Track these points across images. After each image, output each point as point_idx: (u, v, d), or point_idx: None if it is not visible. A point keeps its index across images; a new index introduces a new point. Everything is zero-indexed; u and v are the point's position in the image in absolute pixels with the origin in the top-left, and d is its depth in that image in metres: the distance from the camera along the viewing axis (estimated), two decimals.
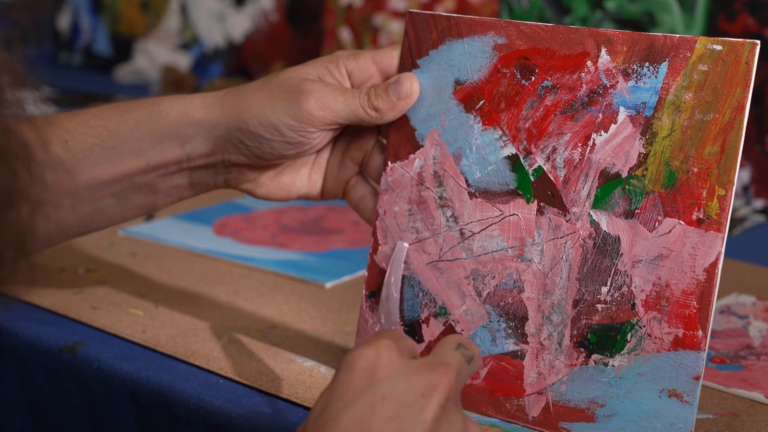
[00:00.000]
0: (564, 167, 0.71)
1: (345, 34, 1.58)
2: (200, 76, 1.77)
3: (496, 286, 0.73)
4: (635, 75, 0.69)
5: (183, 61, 1.80)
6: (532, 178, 0.72)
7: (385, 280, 0.74)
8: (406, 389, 0.56)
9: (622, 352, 0.69)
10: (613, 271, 0.69)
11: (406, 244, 0.71)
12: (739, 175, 1.19)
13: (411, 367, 0.57)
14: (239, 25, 1.75)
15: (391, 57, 0.77)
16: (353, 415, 0.55)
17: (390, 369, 0.57)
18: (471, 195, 0.74)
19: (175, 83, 1.70)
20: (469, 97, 0.74)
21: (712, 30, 1.20)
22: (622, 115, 0.69)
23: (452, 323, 0.74)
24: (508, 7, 1.34)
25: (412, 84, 0.75)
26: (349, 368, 0.57)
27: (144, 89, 1.76)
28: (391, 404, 0.55)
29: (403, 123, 0.76)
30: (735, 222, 1.16)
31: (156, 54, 1.82)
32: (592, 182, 0.70)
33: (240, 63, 1.76)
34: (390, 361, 0.57)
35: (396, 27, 1.54)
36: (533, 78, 0.72)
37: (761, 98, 1.18)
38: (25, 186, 0.59)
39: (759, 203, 1.20)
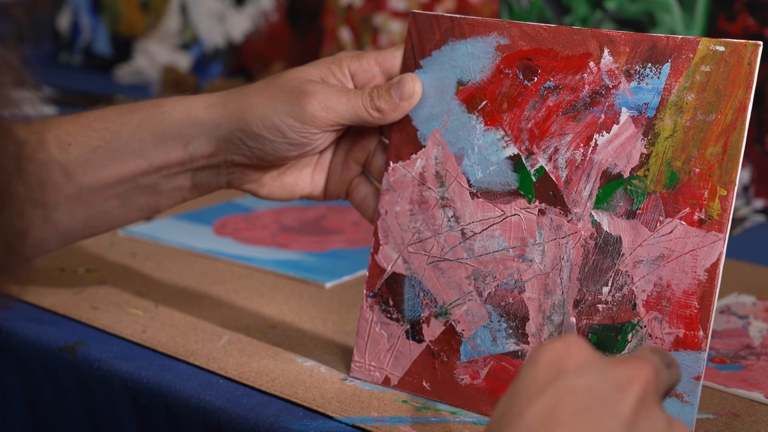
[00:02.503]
0: (566, 167, 0.71)
1: (345, 34, 1.58)
2: (200, 76, 1.77)
3: (497, 286, 0.73)
4: (638, 76, 0.69)
5: (183, 61, 1.80)
6: (533, 179, 0.72)
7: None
8: (600, 381, 0.51)
9: (623, 353, 0.69)
10: (614, 271, 0.69)
11: (573, 320, 0.68)
12: (740, 175, 1.19)
13: (604, 361, 0.52)
14: (239, 25, 1.75)
15: (394, 58, 0.77)
16: (539, 408, 0.50)
17: (580, 361, 0.52)
18: (473, 195, 0.74)
19: (175, 83, 1.70)
20: (471, 97, 0.74)
21: (712, 30, 1.20)
22: (624, 115, 0.69)
23: (453, 323, 0.74)
24: (508, 7, 1.34)
25: (415, 84, 0.75)
26: (535, 362, 0.52)
27: (144, 89, 1.76)
28: (583, 396, 0.50)
29: (405, 123, 0.76)
30: (735, 222, 1.16)
31: (156, 54, 1.82)
32: (594, 182, 0.70)
33: (240, 63, 1.75)
34: (580, 354, 0.52)
35: (396, 27, 1.54)
36: (536, 79, 0.72)
37: (761, 98, 1.18)
38: (19, 185, 0.59)
39: (759, 203, 1.20)
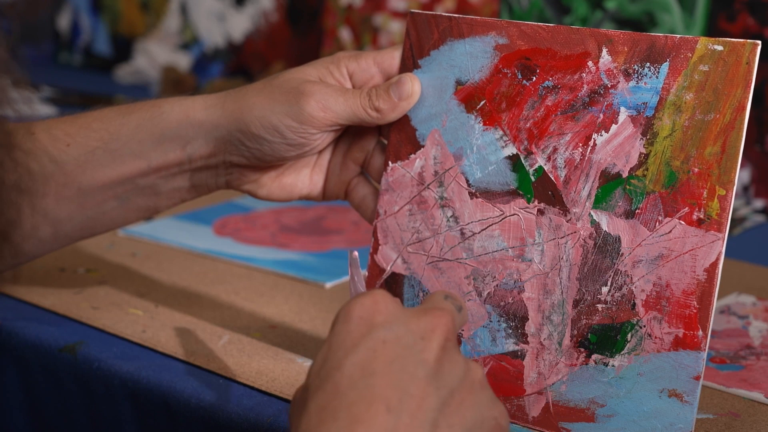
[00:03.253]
0: (565, 167, 0.71)
1: (345, 34, 1.58)
2: (200, 76, 1.77)
3: (497, 286, 0.73)
4: (636, 75, 0.69)
5: (183, 61, 1.80)
6: (532, 178, 0.72)
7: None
8: (405, 332, 0.56)
9: (622, 352, 0.69)
10: (613, 271, 0.69)
11: (355, 254, 0.71)
12: (740, 175, 1.19)
13: (407, 313, 0.58)
14: (239, 25, 1.75)
15: (393, 57, 0.77)
16: (355, 361, 0.55)
17: (387, 315, 0.57)
18: (471, 195, 0.74)
19: (175, 83, 1.70)
20: (470, 97, 0.74)
21: (712, 30, 1.20)
22: (623, 115, 0.69)
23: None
24: (508, 7, 1.34)
25: (413, 84, 0.75)
26: (347, 318, 0.57)
27: (144, 89, 1.76)
28: (392, 347, 0.55)
29: (404, 123, 0.76)
30: (735, 222, 1.16)
31: (156, 54, 1.82)
32: (593, 182, 0.70)
33: (240, 63, 1.76)
34: (386, 308, 0.57)
35: (396, 27, 1.54)
36: (534, 78, 0.72)
37: (761, 98, 1.18)
38: (8, 174, 0.59)
39: (759, 203, 1.20)
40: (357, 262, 0.70)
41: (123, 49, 1.90)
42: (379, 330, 0.56)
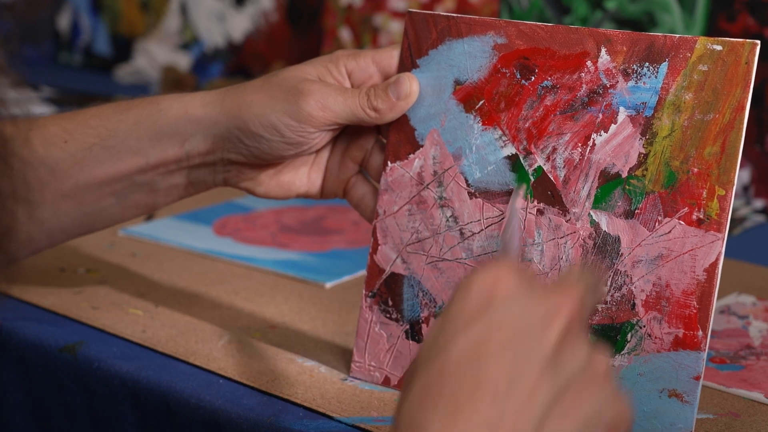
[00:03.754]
0: (564, 167, 0.71)
1: (345, 34, 1.58)
2: (200, 76, 1.77)
3: None
4: (635, 75, 0.69)
5: (183, 61, 1.80)
6: (531, 178, 0.72)
7: (508, 216, 0.70)
8: (525, 314, 0.51)
9: (622, 353, 0.69)
10: (613, 271, 0.69)
11: (521, 194, 0.67)
12: (739, 175, 1.19)
13: (531, 293, 0.53)
14: (239, 25, 1.75)
15: (391, 57, 0.77)
16: (466, 341, 0.51)
17: (509, 293, 0.52)
18: (471, 195, 0.74)
19: (175, 83, 1.70)
20: (468, 97, 0.74)
21: (712, 30, 1.20)
22: (622, 115, 0.69)
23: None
24: (508, 7, 1.34)
25: (412, 84, 0.75)
26: (465, 295, 0.52)
27: (144, 89, 1.76)
28: (508, 329, 0.51)
29: (402, 123, 0.76)
30: (735, 222, 1.16)
31: (156, 54, 1.82)
32: (592, 182, 0.70)
33: (240, 63, 1.76)
34: (508, 287, 0.52)
35: (396, 27, 1.54)
36: (533, 78, 0.72)
37: (761, 98, 1.18)
38: (4, 182, 0.59)
39: (759, 203, 1.20)
40: (517, 215, 0.67)
41: (123, 49, 1.90)
42: (497, 309, 0.51)
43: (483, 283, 0.52)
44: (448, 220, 0.74)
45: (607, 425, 0.52)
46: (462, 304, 0.52)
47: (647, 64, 0.68)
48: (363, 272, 0.78)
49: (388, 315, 0.76)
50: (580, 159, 0.70)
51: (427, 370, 0.51)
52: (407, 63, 0.76)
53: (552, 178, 0.71)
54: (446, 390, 0.50)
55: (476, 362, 0.50)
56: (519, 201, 0.68)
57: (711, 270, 0.66)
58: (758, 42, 0.66)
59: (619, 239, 0.69)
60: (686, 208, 0.67)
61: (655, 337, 0.68)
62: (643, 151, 0.68)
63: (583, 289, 0.53)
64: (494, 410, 0.49)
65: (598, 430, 0.52)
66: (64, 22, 1.98)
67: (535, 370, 0.50)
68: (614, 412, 0.52)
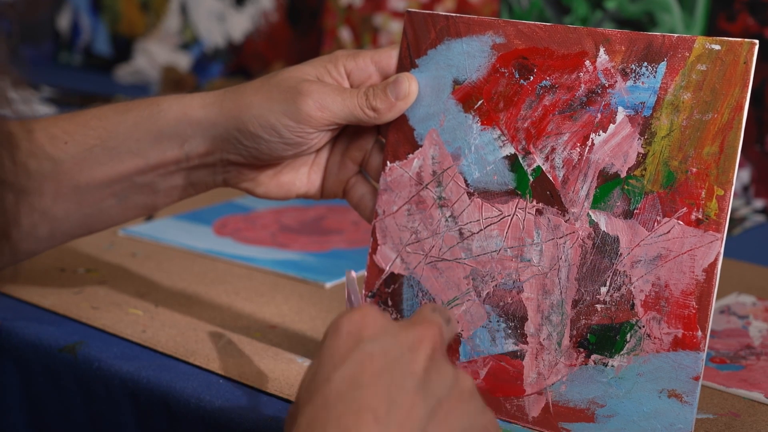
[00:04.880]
0: (563, 167, 0.71)
1: (345, 34, 1.58)
2: (200, 76, 1.77)
3: (496, 286, 0.73)
4: (633, 75, 0.69)
5: (183, 61, 1.81)
6: (530, 178, 0.72)
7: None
8: (393, 345, 0.56)
9: (621, 353, 0.69)
10: (612, 271, 0.69)
11: (353, 274, 0.71)
12: (739, 175, 1.19)
13: (395, 326, 0.58)
14: (239, 25, 1.75)
15: (390, 57, 0.77)
16: (343, 374, 0.55)
17: (375, 329, 0.57)
18: (470, 195, 0.74)
19: (175, 83, 1.70)
20: (467, 96, 0.74)
21: (712, 30, 1.20)
22: (621, 115, 0.69)
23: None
24: (508, 7, 1.34)
25: (411, 84, 0.75)
26: (335, 333, 0.57)
27: (144, 89, 1.76)
28: (380, 359, 0.56)
29: (401, 123, 0.76)
30: (735, 222, 1.16)
31: (156, 54, 1.82)
32: (591, 182, 0.70)
33: (240, 63, 1.76)
34: (375, 323, 0.57)
35: (396, 27, 1.54)
36: (532, 78, 0.72)
37: (761, 98, 1.18)
38: (7, 173, 0.59)
39: (759, 203, 1.20)
40: (354, 281, 0.70)
41: (123, 49, 1.90)
42: (366, 344, 0.56)
43: (351, 323, 0.57)
44: (447, 220, 0.74)
45: None
46: (334, 343, 0.57)
47: (646, 63, 0.68)
48: (363, 272, 0.78)
49: (388, 315, 0.76)
50: (578, 159, 0.70)
51: (311, 404, 0.55)
52: (406, 63, 0.76)
53: (551, 178, 0.71)
54: (331, 417, 0.54)
55: (355, 391, 0.54)
56: (351, 277, 0.71)
57: (710, 270, 0.66)
58: (756, 41, 0.66)
59: (618, 239, 0.69)
60: (685, 208, 0.67)
61: (655, 338, 0.68)
62: (641, 150, 0.68)
63: (439, 322, 0.59)
64: (378, 430, 0.53)
65: None
66: (64, 22, 1.98)
67: (409, 391, 0.55)
68: (482, 426, 0.58)
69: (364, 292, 0.77)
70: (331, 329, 0.58)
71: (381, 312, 0.59)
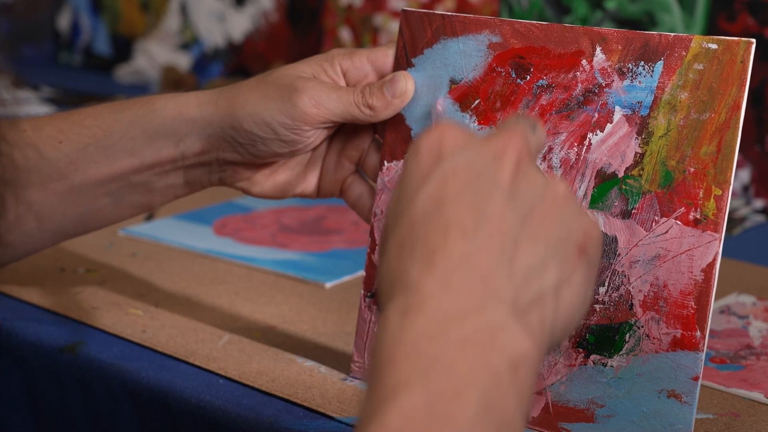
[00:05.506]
0: (560, 167, 0.71)
1: (345, 34, 1.58)
2: (200, 76, 1.77)
3: None
4: (630, 74, 0.69)
5: (183, 61, 1.81)
6: None
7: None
8: (476, 157, 0.54)
9: (620, 353, 0.69)
10: (610, 271, 0.69)
11: (439, 107, 0.69)
12: (739, 175, 1.19)
13: (477, 139, 0.55)
14: (239, 25, 1.75)
15: (386, 55, 0.77)
16: (427, 193, 0.53)
17: (456, 143, 0.54)
18: None
19: (175, 83, 1.70)
20: (464, 96, 0.74)
21: (712, 30, 1.20)
22: (618, 114, 0.69)
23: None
24: (508, 7, 1.34)
25: (407, 82, 0.75)
26: (415, 154, 0.55)
27: (144, 89, 1.76)
28: (463, 173, 0.53)
29: (398, 122, 0.76)
30: (735, 222, 1.16)
31: (156, 54, 1.82)
32: (589, 182, 0.70)
33: (240, 63, 1.76)
34: (455, 137, 0.55)
35: (396, 27, 1.54)
36: (528, 77, 0.71)
37: (761, 98, 1.18)
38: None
39: (759, 203, 1.20)
40: (442, 114, 0.68)
41: (123, 49, 1.90)
42: (448, 159, 0.54)
43: (430, 141, 0.55)
44: None
45: (576, 243, 0.54)
46: (415, 164, 0.54)
47: (642, 63, 0.68)
48: (363, 272, 0.78)
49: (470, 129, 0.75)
50: (576, 159, 0.70)
51: (397, 228, 0.53)
52: (402, 62, 0.76)
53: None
54: (418, 238, 0.52)
55: (440, 208, 0.52)
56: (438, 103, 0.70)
57: (708, 270, 0.66)
58: (753, 40, 0.66)
59: (616, 239, 0.69)
60: (683, 208, 0.67)
61: (654, 338, 0.68)
62: (639, 150, 0.68)
63: (523, 128, 0.56)
64: (468, 245, 0.51)
65: (569, 249, 0.54)
66: (64, 22, 1.98)
67: (496, 202, 0.52)
68: (581, 229, 0.55)
69: (363, 291, 0.77)
70: (410, 150, 0.55)
71: (461, 128, 0.56)
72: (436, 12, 0.75)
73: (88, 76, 1.88)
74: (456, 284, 0.50)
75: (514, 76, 0.72)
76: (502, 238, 0.52)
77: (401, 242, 0.53)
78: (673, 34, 0.68)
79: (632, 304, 0.68)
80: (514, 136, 0.55)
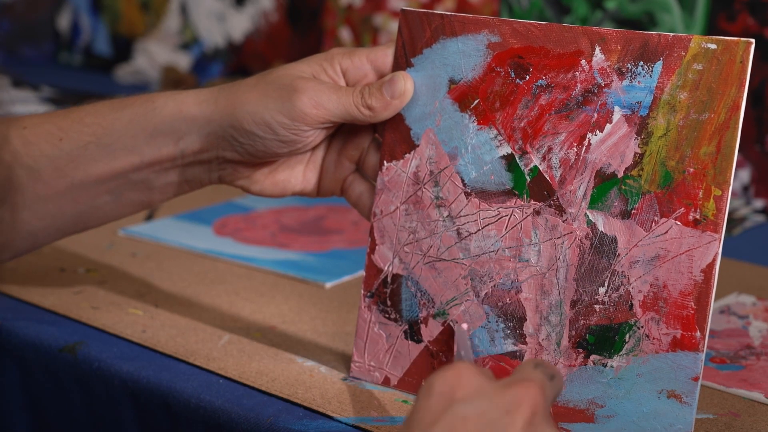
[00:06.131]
0: (560, 167, 0.71)
1: (345, 34, 1.58)
2: (200, 76, 1.77)
3: (494, 286, 0.73)
4: (630, 74, 0.69)
5: (183, 61, 1.81)
6: (528, 178, 0.72)
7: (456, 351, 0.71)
8: (489, 408, 0.53)
9: (620, 353, 0.69)
10: (610, 271, 0.69)
11: (464, 326, 0.69)
12: (739, 175, 1.19)
13: (492, 387, 0.54)
14: (239, 25, 1.75)
15: (386, 55, 0.77)
16: None
17: (470, 389, 0.53)
18: (467, 195, 0.74)
19: (175, 83, 1.70)
20: (463, 96, 0.74)
21: (712, 30, 1.20)
22: (617, 114, 0.69)
23: (451, 323, 0.74)
24: (508, 7, 1.34)
25: (406, 83, 0.75)
26: (428, 393, 0.54)
27: (144, 89, 1.76)
28: (474, 424, 0.52)
29: (398, 122, 0.76)
30: (735, 222, 1.16)
31: (156, 54, 1.82)
32: (588, 182, 0.70)
33: (240, 63, 1.75)
34: (470, 382, 0.54)
35: (396, 27, 1.54)
36: (527, 77, 0.71)
37: (761, 98, 1.18)
38: None
39: (759, 203, 1.20)
40: (465, 335, 0.68)
41: (123, 49, 1.90)
42: (459, 405, 0.53)
43: (444, 380, 0.54)
44: (444, 220, 0.74)
45: None
46: (425, 404, 0.53)
47: (642, 63, 0.68)
48: (362, 272, 0.78)
49: (386, 315, 0.76)
50: (575, 159, 0.70)
51: None
52: (401, 62, 0.76)
53: (548, 178, 0.71)
54: None
55: None
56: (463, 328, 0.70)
57: (708, 271, 0.66)
58: (753, 41, 0.66)
59: (615, 239, 0.69)
60: (682, 209, 0.67)
61: (653, 338, 0.68)
62: (638, 150, 0.68)
63: (541, 379, 0.55)
64: None
65: None
66: (64, 22, 1.98)
67: None
68: None
69: (363, 291, 0.77)
70: (423, 388, 0.54)
71: (478, 370, 0.55)
72: (435, 12, 0.75)
73: (88, 76, 1.88)
74: None
75: (513, 76, 0.72)
76: None
77: None
78: (672, 34, 0.68)
79: (632, 305, 0.68)
80: (531, 387, 0.54)
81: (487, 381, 0.54)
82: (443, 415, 0.52)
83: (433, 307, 0.75)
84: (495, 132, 0.72)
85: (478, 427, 0.52)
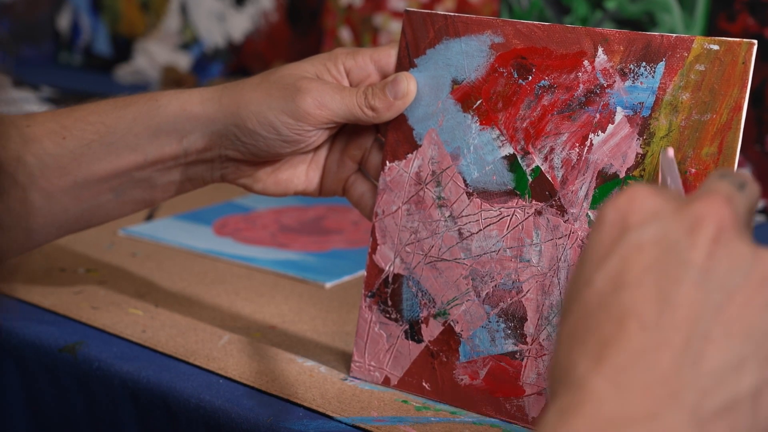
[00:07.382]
0: (562, 167, 0.71)
1: (345, 34, 1.58)
2: (200, 76, 1.77)
3: (495, 286, 0.73)
4: (632, 75, 0.69)
5: (183, 61, 1.81)
6: (529, 178, 0.72)
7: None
8: (667, 230, 0.46)
9: None
10: None
11: (670, 152, 0.62)
12: None
13: (671, 207, 0.47)
14: (239, 25, 1.75)
15: (389, 55, 0.77)
16: (605, 274, 0.46)
17: (645, 213, 0.47)
18: (469, 195, 0.74)
19: (175, 83, 1.70)
20: (466, 96, 0.74)
21: (712, 30, 1.20)
22: (620, 115, 0.69)
23: (451, 323, 0.74)
24: (508, 7, 1.34)
25: (409, 83, 0.75)
26: (598, 225, 0.48)
27: (144, 89, 1.76)
28: (649, 250, 0.46)
29: (400, 122, 0.76)
30: None
31: (156, 54, 1.82)
32: (590, 182, 0.70)
33: (240, 63, 1.76)
34: (644, 205, 0.47)
35: (396, 27, 1.54)
36: (530, 77, 0.72)
37: (761, 98, 1.18)
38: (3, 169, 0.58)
39: (759, 203, 1.20)
40: (673, 162, 0.62)
41: (123, 49, 1.91)
42: (633, 232, 0.46)
43: (617, 208, 0.48)
44: (446, 220, 0.74)
45: None
46: (597, 236, 0.48)
47: (644, 63, 0.68)
48: (363, 272, 0.78)
49: (387, 315, 0.76)
50: (577, 159, 0.70)
51: (570, 313, 0.47)
52: (405, 62, 0.76)
53: (550, 179, 0.71)
54: (590, 328, 0.45)
55: (618, 292, 0.45)
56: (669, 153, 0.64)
57: None
58: (755, 42, 0.66)
59: None
60: None
61: None
62: (640, 151, 0.68)
63: (728, 190, 0.48)
64: (646, 339, 0.44)
65: None
66: (64, 22, 1.98)
67: (685, 287, 0.45)
68: None
69: (363, 291, 0.77)
70: (595, 220, 0.48)
71: (654, 191, 0.48)
72: (439, 12, 0.75)
73: (88, 76, 1.88)
74: (627, 384, 0.43)
75: (516, 76, 0.72)
76: (688, 331, 0.44)
77: (573, 330, 0.46)
78: (674, 35, 0.68)
79: None
80: (714, 202, 0.46)
81: (664, 201, 0.47)
82: (616, 247, 0.46)
83: (434, 307, 0.75)
84: (497, 132, 0.73)
85: (655, 253, 0.46)
